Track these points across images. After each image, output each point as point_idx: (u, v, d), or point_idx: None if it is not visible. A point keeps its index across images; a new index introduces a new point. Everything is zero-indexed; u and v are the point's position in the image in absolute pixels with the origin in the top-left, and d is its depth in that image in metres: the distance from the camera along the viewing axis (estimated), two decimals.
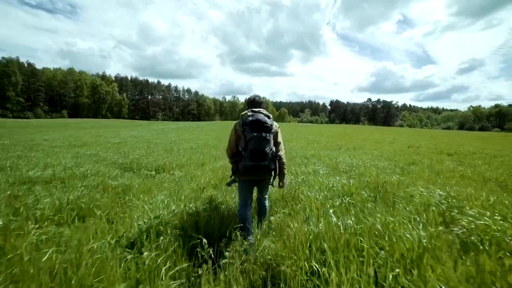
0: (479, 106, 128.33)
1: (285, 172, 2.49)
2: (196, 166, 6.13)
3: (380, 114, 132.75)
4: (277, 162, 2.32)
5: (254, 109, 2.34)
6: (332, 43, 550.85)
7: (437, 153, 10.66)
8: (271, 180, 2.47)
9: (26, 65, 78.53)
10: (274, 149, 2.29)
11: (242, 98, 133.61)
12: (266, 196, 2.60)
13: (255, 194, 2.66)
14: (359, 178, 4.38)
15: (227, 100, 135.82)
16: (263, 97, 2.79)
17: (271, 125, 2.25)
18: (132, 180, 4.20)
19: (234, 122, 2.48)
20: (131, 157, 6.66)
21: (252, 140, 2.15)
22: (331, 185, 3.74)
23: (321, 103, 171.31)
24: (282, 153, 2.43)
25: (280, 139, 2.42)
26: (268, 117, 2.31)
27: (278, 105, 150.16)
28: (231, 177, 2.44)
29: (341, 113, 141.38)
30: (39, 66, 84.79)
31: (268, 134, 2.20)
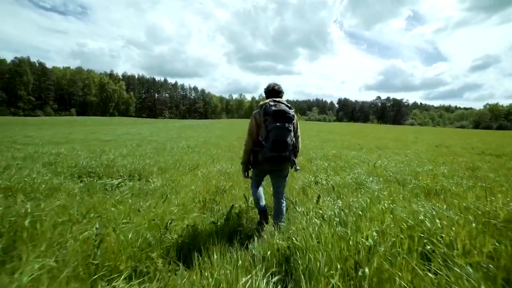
0: (497, 103, 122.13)
1: (298, 156, 2.42)
2: (185, 170, 4.70)
3: (390, 113, 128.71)
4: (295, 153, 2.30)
5: (276, 99, 2.23)
6: (339, 41, 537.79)
7: (484, 155, 8.85)
8: (287, 171, 2.44)
9: (37, 65, 79.66)
10: (294, 140, 2.23)
11: (248, 97, 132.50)
12: (284, 194, 2.44)
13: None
14: (450, 202, 2.65)
15: (233, 98, 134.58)
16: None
17: (293, 115, 2.20)
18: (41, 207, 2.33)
19: (253, 112, 2.25)
20: (105, 157, 5.29)
21: (274, 130, 2.08)
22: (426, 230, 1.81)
23: (328, 101, 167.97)
24: (299, 144, 2.38)
25: (299, 131, 2.36)
26: (290, 108, 2.21)
27: None
28: (248, 170, 2.39)
29: (349, 112, 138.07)
30: (51, 66, 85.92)
31: (290, 125, 2.14)
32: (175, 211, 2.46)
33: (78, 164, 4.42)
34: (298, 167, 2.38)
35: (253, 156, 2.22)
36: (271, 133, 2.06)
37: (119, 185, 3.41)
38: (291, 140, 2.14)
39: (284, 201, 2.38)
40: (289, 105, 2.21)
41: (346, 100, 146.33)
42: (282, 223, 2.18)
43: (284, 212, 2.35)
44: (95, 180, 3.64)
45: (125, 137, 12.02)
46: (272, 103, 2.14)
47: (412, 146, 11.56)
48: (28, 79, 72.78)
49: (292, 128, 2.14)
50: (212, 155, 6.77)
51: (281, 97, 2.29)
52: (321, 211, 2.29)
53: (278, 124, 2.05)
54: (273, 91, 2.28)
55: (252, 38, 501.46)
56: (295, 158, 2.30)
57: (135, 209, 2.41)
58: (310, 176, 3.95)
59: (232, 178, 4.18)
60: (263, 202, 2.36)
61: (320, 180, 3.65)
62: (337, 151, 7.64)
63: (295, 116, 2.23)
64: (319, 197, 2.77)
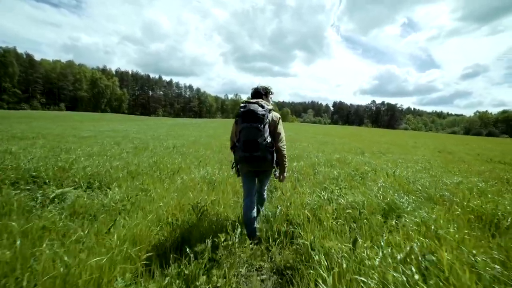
0: (486, 111, 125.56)
1: (286, 165, 2.29)
2: (162, 176, 3.82)
3: (384, 117, 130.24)
4: (274, 153, 2.17)
5: (251, 100, 2.23)
6: (335, 45, 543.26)
7: (493, 162, 8.25)
8: (272, 172, 2.40)
9: (24, 56, 76.51)
10: (269, 139, 2.12)
11: (244, 97, 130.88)
12: (266, 188, 2.50)
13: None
14: None
15: (229, 98, 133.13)
16: (269, 86, 2.40)
17: (263, 115, 2.07)
18: None
19: None
20: (65, 157, 4.33)
21: (243, 130, 2.07)
22: None
23: (324, 104, 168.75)
24: (281, 144, 2.22)
25: (280, 130, 2.21)
26: (262, 107, 2.11)
27: (280, 105, 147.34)
28: (232, 168, 2.39)
29: (344, 115, 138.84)
30: (40, 59, 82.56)
31: (259, 125, 2.05)
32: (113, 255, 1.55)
33: (20, 166, 3.46)
34: (276, 173, 2.30)
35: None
36: (241, 133, 2.07)
37: (57, 198, 2.49)
38: (264, 140, 2.05)
39: (265, 194, 2.47)
40: (266, 104, 2.15)
41: (341, 103, 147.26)
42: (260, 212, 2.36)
43: (265, 201, 2.47)
44: (33, 188, 2.71)
45: (107, 134, 10.97)
46: (243, 104, 2.14)
47: (416, 151, 10.95)
48: (14, 71, 69.74)
49: (263, 128, 2.05)
50: (199, 156, 5.89)
51: (261, 98, 2.30)
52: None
53: (245, 124, 2.05)
54: (255, 93, 2.34)
55: (250, 38, 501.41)
56: (279, 163, 2.24)
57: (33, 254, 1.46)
58: (320, 191, 3.12)
59: (218, 188, 3.32)
60: (253, 226, 2.16)
61: (334, 197, 2.78)
62: (341, 155, 6.88)
63: (270, 116, 2.13)
64: (355, 241, 1.71)
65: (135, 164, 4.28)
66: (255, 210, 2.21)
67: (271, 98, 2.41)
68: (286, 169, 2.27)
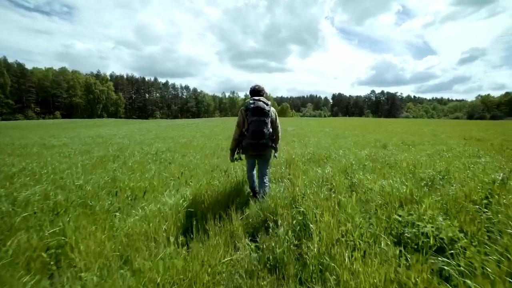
0: (488, 94, 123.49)
1: (278, 146, 2.90)
2: (110, 208, 2.33)
3: (385, 106, 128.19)
4: (273, 140, 2.73)
5: (255, 97, 2.68)
6: (330, 37, 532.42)
7: None
8: (271, 156, 2.92)
9: (15, 65, 74.82)
10: (271, 130, 2.66)
11: (241, 95, 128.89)
12: (267, 175, 2.83)
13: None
14: None
15: (226, 96, 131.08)
16: (264, 86, 2.90)
17: (269, 110, 2.63)
18: None
19: (240, 108, 2.70)
20: None
21: (253, 123, 2.56)
22: None
23: (322, 97, 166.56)
24: (279, 134, 2.84)
25: (278, 123, 2.81)
26: (267, 104, 2.64)
27: (279, 100, 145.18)
28: (236, 154, 2.82)
29: (344, 106, 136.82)
30: (32, 67, 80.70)
31: (266, 118, 2.59)
32: None
33: None
34: (276, 155, 2.96)
35: (241, 144, 2.70)
36: (251, 125, 2.57)
37: None
38: (268, 130, 2.61)
39: (267, 182, 2.80)
40: (268, 102, 2.67)
41: (340, 95, 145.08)
42: (262, 198, 2.57)
43: (266, 190, 2.72)
44: None
45: (85, 141, 9.49)
46: (251, 101, 2.62)
47: (444, 140, 9.43)
48: (5, 81, 68.16)
49: (268, 121, 2.61)
50: (185, 165, 4.40)
51: (261, 95, 2.76)
52: None
53: (255, 118, 2.55)
54: (254, 91, 2.78)
55: (243, 35, 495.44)
56: (275, 145, 2.77)
57: None
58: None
59: (198, 232, 1.83)
60: (254, 183, 2.90)
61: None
62: (369, 151, 5.36)
63: (271, 111, 2.67)
64: None
65: (75, 187, 2.79)
66: (255, 179, 2.92)
67: (264, 96, 2.82)
68: (278, 149, 2.92)
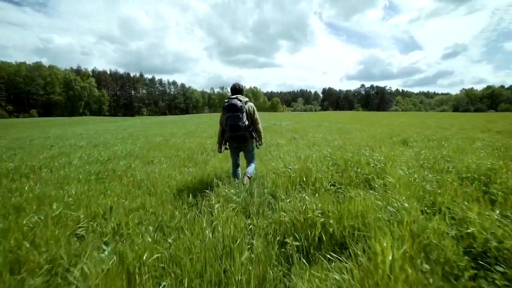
0: (472, 88, 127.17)
1: (262, 136, 3.23)
2: None
3: (374, 100, 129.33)
4: (253, 132, 3.07)
5: (232, 96, 3.06)
6: (319, 32, 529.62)
7: None
8: (253, 147, 3.25)
9: None
10: (246, 123, 2.97)
11: None
12: (253, 162, 3.23)
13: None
14: None
15: (215, 92, 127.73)
16: (244, 85, 3.27)
17: (242, 106, 2.93)
18: None
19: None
20: None
21: (229, 118, 2.95)
22: None
23: (313, 92, 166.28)
24: (259, 126, 3.14)
25: (256, 116, 3.10)
26: (240, 101, 2.96)
27: (269, 96, 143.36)
28: (223, 146, 3.19)
29: (334, 101, 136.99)
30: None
31: (239, 113, 2.91)
32: None
33: None
34: (257, 146, 3.24)
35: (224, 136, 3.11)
36: (227, 120, 2.95)
37: None
38: (243, 123, 2.92)
39: (254, 164, 3.22)
40: (243, 98, 3.01)
41: (330, 89, 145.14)
42: (249, 175, 2.99)
43: (253, 170, 3.13)
44: None
45: (35, 143, 7.59)
46: (226, 101, 3.01)
47: (472, 134, 8.27)
48: None
49: (242, 115, 2.92)
50: (135, 183, 2.81)
51: (239, 93, 3.14)
52: None
53: (230, 113, 2.92)
54: (233, 90, 3.18)
55: (232, 30, 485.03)
56: (256, 136, 3.13)
57: None
58: None
59: None
60: (237, 177, 3.14)
61: None
62: (414, 153, 3.94)
63: (248, 106, 3.00)
64: None
65: None
66: (238, 171, 3.22)
67: (244, 92, 3.23)
68: (262, 138, 3.23)
